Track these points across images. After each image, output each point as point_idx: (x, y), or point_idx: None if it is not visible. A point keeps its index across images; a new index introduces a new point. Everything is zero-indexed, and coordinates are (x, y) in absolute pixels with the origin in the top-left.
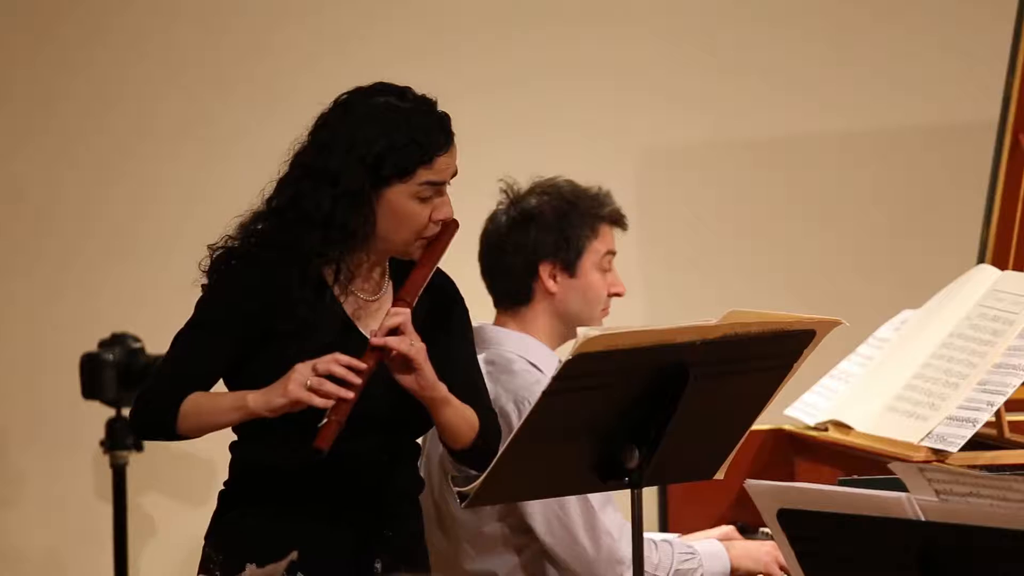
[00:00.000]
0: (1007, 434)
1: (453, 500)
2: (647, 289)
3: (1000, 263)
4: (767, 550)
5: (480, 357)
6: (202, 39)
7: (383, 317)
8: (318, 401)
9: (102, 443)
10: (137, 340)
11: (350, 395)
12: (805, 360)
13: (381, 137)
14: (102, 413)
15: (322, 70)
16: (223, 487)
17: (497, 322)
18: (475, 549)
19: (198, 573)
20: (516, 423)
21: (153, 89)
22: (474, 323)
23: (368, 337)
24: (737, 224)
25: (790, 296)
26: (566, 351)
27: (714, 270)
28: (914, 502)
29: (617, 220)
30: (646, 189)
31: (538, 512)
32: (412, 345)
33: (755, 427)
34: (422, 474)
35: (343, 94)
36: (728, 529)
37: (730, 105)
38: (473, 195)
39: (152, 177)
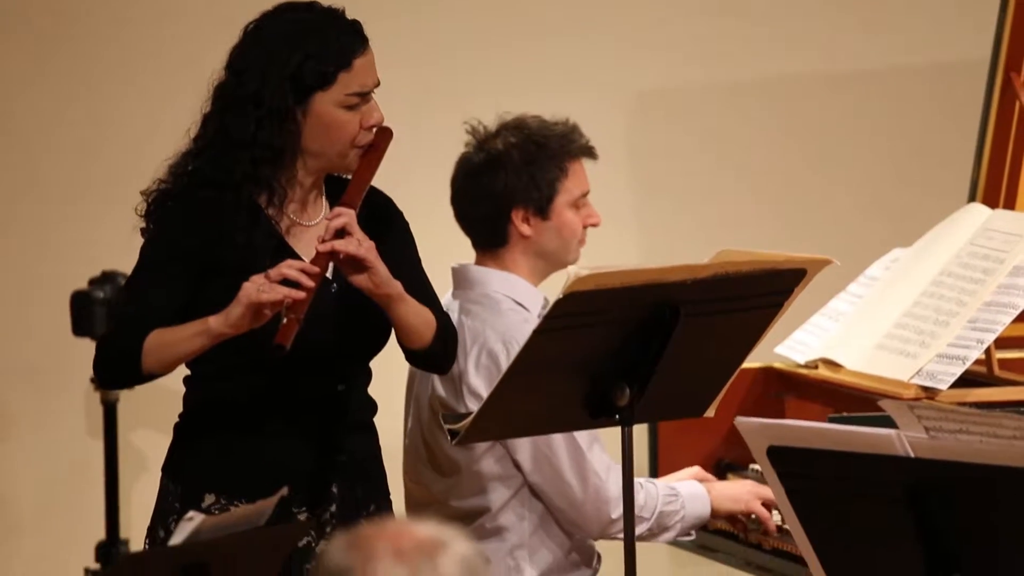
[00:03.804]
0: (997, 372)
1: (444, 439)
2: (640, 231)
3: (991, 202)
4: (748, 488)
5: (466, 297)
6: None
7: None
8: (271, 297)
9: (93, 380)
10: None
11: (301, 294)
12: (796, 299)
13: (297, 50)
14: (92, 350)
15: None
16: (178, 419)
17: (478, 262)
18: (468, 486)
19: (156, 504)
20: (505, 363)
21: (156, 28)
22: (455, 264)
23: (304, 259)
24: (728, 165)
25: (781, 236)
26: (549, 287)
27: (706, 211)
28: (904, 439)
29: (587, 154)
30: (638, 132)
31: (525, 450)
32: (360, 244)
33: (745, 365)
34: (411, 415)
35: (251, 22)
36: (696, 470)
37: (720, 47)
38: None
39: (149, 116)
